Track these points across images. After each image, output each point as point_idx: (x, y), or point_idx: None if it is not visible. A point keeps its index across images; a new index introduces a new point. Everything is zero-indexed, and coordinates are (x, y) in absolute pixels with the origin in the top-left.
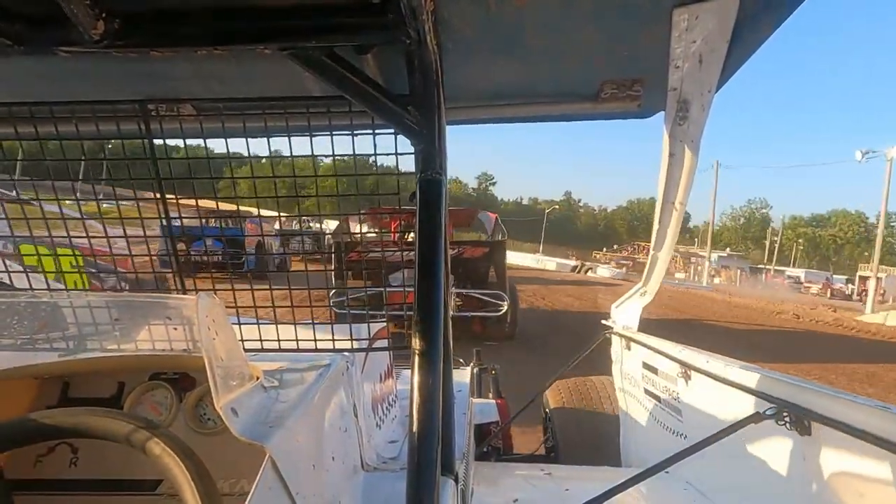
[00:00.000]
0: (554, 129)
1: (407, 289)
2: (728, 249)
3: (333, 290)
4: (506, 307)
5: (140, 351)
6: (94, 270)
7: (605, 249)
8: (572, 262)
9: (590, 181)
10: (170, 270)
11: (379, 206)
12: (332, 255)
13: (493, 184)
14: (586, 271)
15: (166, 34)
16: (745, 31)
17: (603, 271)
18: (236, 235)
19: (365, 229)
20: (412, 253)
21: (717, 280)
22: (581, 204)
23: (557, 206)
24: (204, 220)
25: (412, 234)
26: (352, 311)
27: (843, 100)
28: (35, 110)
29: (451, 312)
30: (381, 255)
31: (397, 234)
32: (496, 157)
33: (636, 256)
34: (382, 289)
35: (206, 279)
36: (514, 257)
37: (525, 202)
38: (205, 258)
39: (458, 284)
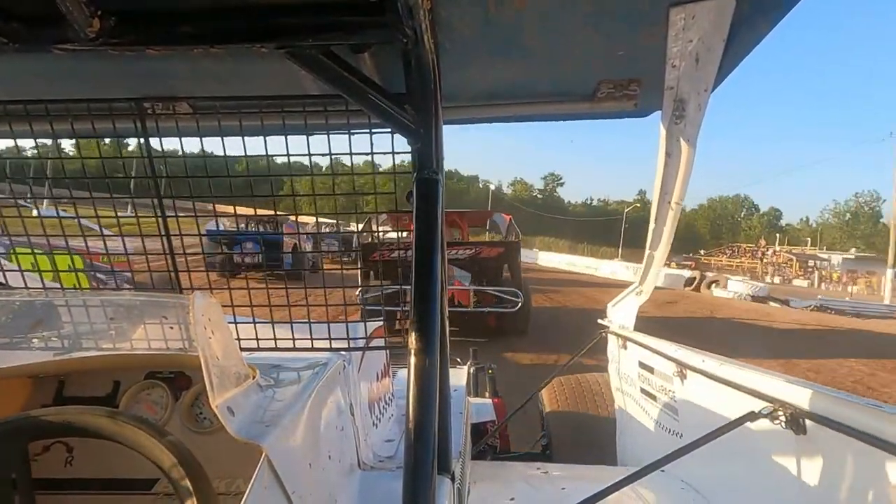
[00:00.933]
0: (624, 126)
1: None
2: (854, 250)
3: (360, 288)
4: (520, 303)
5: (136, 350)
6: (93, 272)
7: (697, 252)
8: (685, 273)
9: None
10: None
11: (375, 206)
12: (360, 256)
13: (561, 184)
14: (709, 285)
15: (162, 32)
16: (741, 30)
17: (737, 286)
18: (233, 236)
19: (384, 230)
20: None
21: (852, 289)
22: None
23: (637, 205)
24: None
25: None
26: (377, 308)
27: None
28: (31, 109)
29: (447, 311)
30: (398, 254)
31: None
32: (563, 157)
33: (740, 261)
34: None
35: (219, 280)
36: (593, 266)
37: (595, 203)
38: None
39: (475, 282)
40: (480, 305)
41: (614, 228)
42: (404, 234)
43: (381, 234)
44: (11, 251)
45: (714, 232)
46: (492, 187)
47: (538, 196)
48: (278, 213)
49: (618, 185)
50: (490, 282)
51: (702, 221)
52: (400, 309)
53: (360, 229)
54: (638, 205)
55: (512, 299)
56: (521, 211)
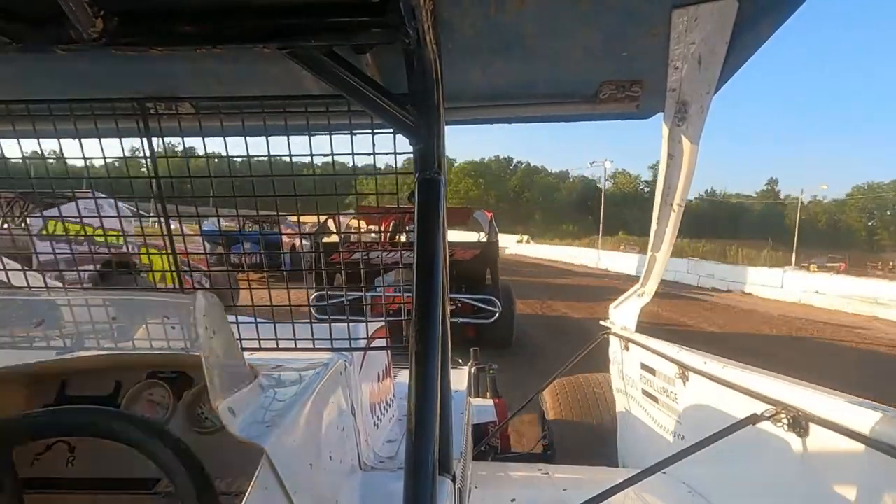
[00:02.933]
0: (753, 104)
1: (404, 291)
2: None
3: (314, 295)
4: (497, 314)
5: (138, 349)
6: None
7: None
8: None
9: (794, 167)
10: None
11: (376, 206)
12: (315, 257)
13: None
14: None
15: (165, 33)
16: (744, 32)
17: None
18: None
19: (353, 229)
20: (405, 254)
21: None
22: (782, 195)
23: (800, 198)
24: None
25: (404, 235)
26: (333, 317)
27: None
28: (33, 108)
29: (448, 312)
30: (366, 256)
31: (387, 235)
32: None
33: None
34: (355, 294)
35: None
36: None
37: (716, 196)
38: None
39: (452, 288)
40: (456, 315)
41: (741, 225)
42: (375, 234)
43: (344, 233)
44: (143, 251)
45: (870, 226)
46: (607, 166)
47: (644, 190)
48: (275, 213)
49: (742, 173)
50: (469, 288)
51: (853, 214)
52: (341, 318)
53: (317, 228)
54: (798, 198)
55: (489, 308)
56: (628, 207)
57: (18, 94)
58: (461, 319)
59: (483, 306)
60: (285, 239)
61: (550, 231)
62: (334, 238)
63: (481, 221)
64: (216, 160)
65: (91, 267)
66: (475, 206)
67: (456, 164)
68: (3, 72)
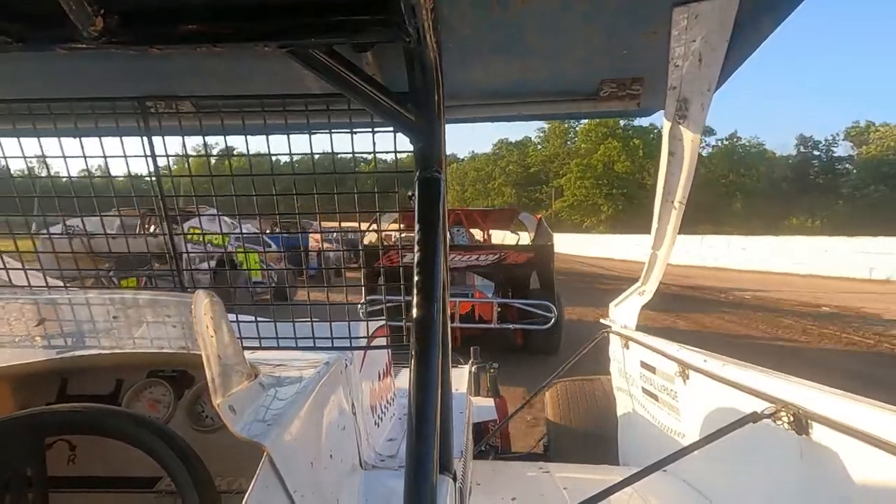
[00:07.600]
0: None
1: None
2: None
3: (365, 300)
4: (553, 320)
5: (138, 348)
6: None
7: None
8: None
9: None
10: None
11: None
12: (363, 261)
13: None
14: None
15: (165, 31)
16: (744, 29)
17: None
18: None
19: (391, 232)
20: (456, 257)
21: None
22: None
23: None
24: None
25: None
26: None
27: None
28: (33, 107)
29: (449, 311)
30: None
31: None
32: None
33: None
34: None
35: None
36: None
37: None
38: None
39: (500, 293)
40: (505, 320)
41: None
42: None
43: (384, 236)
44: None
45: None
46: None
47: None
48: (280, 213)
49: None
50: (518, 292)
51: None
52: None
53: (362, 231)
54: None
55: (544, 314)
56: None
57: (18, 93)
58: (513, 325)
59: (538, 311)
60: (312, 243)
61: (771, 227)
62: (368, 239)
63: (527, 223)
64: (225, 159)
65: (208, 264)
66: (625, 186)
67: (581, 123)
68: (3, 71)
